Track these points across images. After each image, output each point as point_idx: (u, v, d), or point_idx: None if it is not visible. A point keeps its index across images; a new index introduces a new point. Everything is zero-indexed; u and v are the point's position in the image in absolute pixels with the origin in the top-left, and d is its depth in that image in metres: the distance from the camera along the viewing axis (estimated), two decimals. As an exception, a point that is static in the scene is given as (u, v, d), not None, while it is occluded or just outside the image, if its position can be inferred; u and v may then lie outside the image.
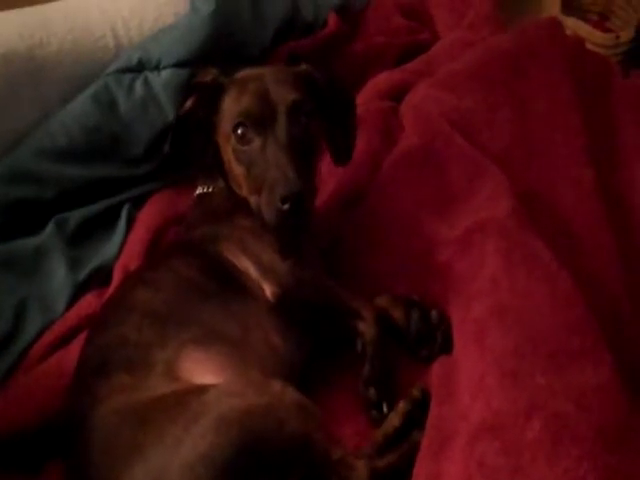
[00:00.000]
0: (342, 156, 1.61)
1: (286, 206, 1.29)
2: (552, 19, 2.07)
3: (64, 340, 1.53)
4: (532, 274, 1.32)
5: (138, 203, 1.87)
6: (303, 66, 1.55)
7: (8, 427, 1.33)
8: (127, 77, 1.91)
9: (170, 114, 1.87)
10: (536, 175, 1.66)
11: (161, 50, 1.94)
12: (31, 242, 1.69)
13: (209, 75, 1.51)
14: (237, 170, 1.44)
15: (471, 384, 1.18)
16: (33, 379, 1.43)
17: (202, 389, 1.12)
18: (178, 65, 1.91)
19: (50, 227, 1.72)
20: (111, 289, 1.60)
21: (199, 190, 1.60)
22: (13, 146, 1.80)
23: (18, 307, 1.57)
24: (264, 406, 1.09)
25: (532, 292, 1.29)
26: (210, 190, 1.57)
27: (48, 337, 1.54)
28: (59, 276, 1.64)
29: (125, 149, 1.86)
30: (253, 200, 1.40)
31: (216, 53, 1.95)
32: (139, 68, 1.94)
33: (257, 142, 1.39)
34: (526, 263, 1.35)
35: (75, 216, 1.76)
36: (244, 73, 1.52)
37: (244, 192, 1.45)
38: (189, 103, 1.53)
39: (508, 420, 1.07)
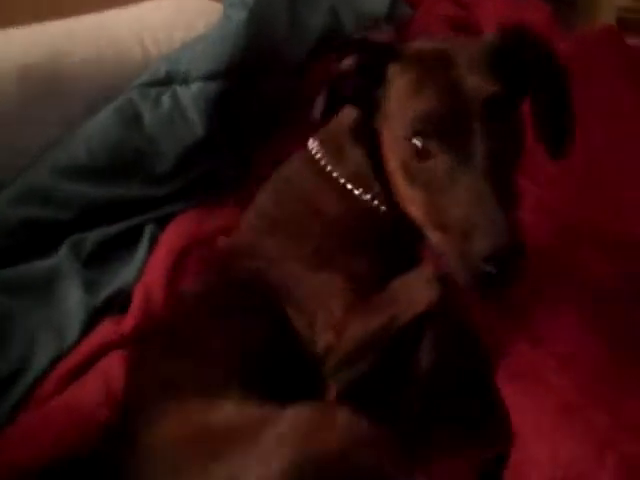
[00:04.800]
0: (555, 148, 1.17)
1: (490, 268, 0.95)
2: (610, 27, 2.02)
3: (79, 371, 1.39)
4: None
5: (163, 223, 1.73)
6: (490, 36, 1.15)
7: (15, 469, 1.17)
8: (154, 90, 1.80)
9: (199, 129, 1.74)
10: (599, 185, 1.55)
11: (190, 62, 1.83)
12: (44, 264, 1.57)
13: (384, 35, 1.20)
14: (408, 191, 1.11)
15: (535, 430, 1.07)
16: (44, 415, 1.29)
17: (274, 421, 0.97)
18: (208, 77, 1.79)
19: (64, 248, 1.59)
20: (130, 314, 1.48)
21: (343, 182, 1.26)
22: (34, 162, 1.70)
23: (29, 335, 1.44)
24: (336, 451, 0.91)
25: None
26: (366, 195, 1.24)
27: (61, 369, 1.40)
28: (73, 300, 1.51)
29: (150, 166, 1.73)
30: (436, 238, 1.06)
31: (249, 65, 1.82)
32: (167, 81, 1.83)
33: (443, 160, 1.03)
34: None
35: (92, 237, 1.64)
36: (422, 47, 1.15)
37: (419, 220, 1.11)
38: (348, 61, 1.14)
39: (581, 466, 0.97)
